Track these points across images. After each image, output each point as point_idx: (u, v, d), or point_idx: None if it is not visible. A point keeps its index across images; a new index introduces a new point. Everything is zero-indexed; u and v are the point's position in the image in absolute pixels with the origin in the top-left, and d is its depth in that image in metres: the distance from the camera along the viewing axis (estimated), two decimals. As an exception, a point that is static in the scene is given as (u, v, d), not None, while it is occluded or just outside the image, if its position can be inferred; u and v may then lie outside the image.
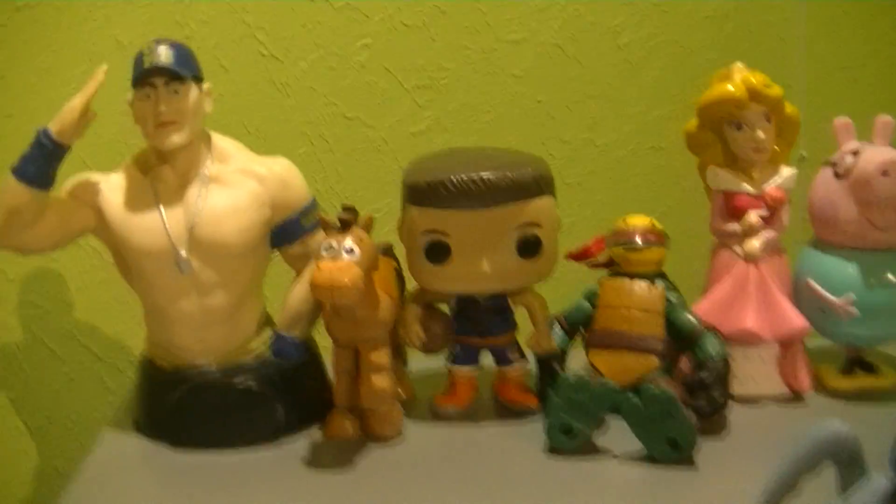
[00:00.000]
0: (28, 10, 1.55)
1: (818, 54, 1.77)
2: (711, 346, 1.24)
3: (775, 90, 1.26)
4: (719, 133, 1.30)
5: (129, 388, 1.54)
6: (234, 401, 1.24)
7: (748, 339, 1.28)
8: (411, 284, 1.32)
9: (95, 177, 1.23)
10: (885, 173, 1.23)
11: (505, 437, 1.26)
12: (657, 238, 1.25)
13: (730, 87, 1.26)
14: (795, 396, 1.33)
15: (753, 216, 1.28)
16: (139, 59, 1.18)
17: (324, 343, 1.33)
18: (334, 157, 1.65)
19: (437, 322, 1.25)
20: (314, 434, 1.28)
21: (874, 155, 1.25)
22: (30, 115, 1.56)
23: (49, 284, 1.62)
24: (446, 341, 1.27)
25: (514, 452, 1.23)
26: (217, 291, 1.23)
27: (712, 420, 1.22)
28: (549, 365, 1.29)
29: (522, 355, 1.29)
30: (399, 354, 1.30)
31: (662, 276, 1.27)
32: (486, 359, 1.33)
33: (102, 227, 1.22)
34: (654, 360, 1.24)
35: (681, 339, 1.26)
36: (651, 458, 1.17)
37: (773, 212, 1.30)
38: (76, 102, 1.16)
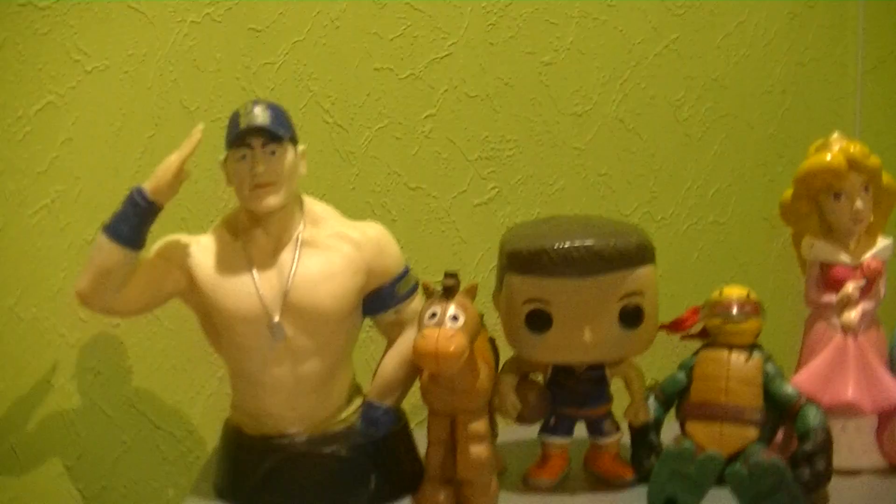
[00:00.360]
0: (98, 73, 1.52)
1: (873, 129, 1.72)
2: (813, 417, 1.20)
3: (874, 160, 1.23)
4: (816, 203, 1.23)
5: (186, 457, 1.48)
6: (327, 471, 1.18)
7: (848, 412, 1.24)
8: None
9: (185, 239, 1.17)
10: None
11: (600, 509, 1.16)
12: (753, 309, 1.22)
13: (828, 157, 1.22)
14: (894, 469, 1.28)
15: (851, 287, 1.23)
16: (235, 119, 1.13)
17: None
18: (397, 226, 1.59)
19: (533, 392, 1.20)
20: (406, 504, 1.18)
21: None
22: (97, 179, 1.54)
23: (108, 351, 1.55)
24: (542, 412, 1.21)
25: (612, 526, 1.13)
26: (310, 358, 1.17)
27: (815, 493, 1.17)
28: (645, 436, 1.24)
29: (618, 427, 1.22)
30: (491, 426, 1.21)
31: (759, 346, 1.23)
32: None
33: (192, 291, 1.15)
34: (753, 432, 1.21)
35: (779, 410, 1.22)
36: (758, 532, 1.06)
37: (870, 283, 1.26)
38: (172, 161, 1.11)
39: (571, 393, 1.22)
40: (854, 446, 1.27)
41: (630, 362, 1.22)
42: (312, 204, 1.20)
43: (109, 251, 1.10)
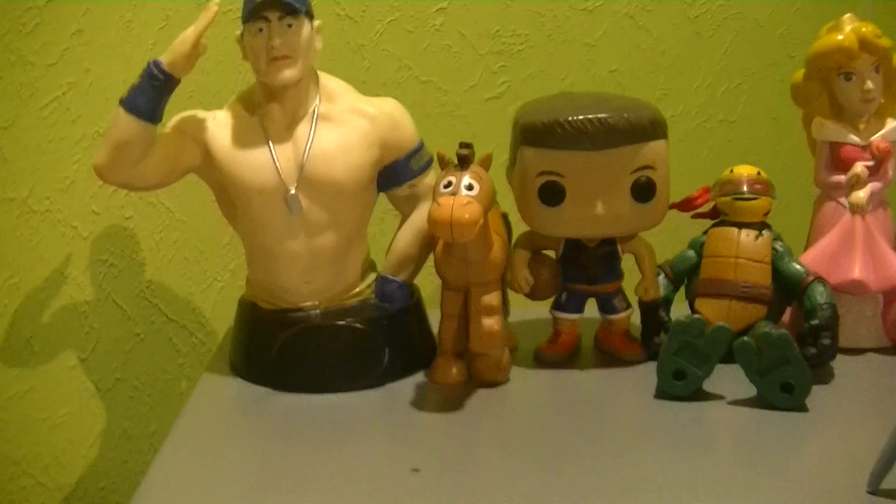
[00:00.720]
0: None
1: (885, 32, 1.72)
2: (820, 294, 1.21)
3: (885, 41, 1.23)
4: (826, 84, 1.24)
5: (198, 349, 1.50)
6: (341, 343, 1.18)
7: (855, 290, 1.25)
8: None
9: (202, 114, 1.18)
10: None
11: (611, 384, 1.22)
12: (764, 188, 1.23)
13: (840, 37, 1.23)
14: (898, 348, 1.24)
15: (860, 167, 1.24)
16: None
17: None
18: (407, 120, 1.57)
19: (545, 268, 1.20)
20: (419, 379, 1.21)
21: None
22: (108, 70, 1.54)
23: (122, 243, 1.56)
24: (554, 288, 1.22)
25: (622, 399, 1.19)
26: (325, 232, 1.17)
27: (820, 369, 1.18)
28: (655, 313, 1.24)
29: (628, 304, 1.24)
30: (504, 302, 1.22)
31: (768, 225, 1.24)
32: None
33: (209, 165, 1.16)
34: (762, 309, 1.21)
35: (787, 288, 1.23)
36: (763, 404, 1.12)
37: (879, 163, 1.26)
38: (189, 35, 1.11)
39: (583, 269, 1.23)
40: (860, 326, 1.28)
41: (641, 238, 1.22)
42: (328, 79, 1.20)
43: (126, 124, 1.10)
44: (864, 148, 1.27)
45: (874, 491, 0.93)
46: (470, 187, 1.07)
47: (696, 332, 1.12)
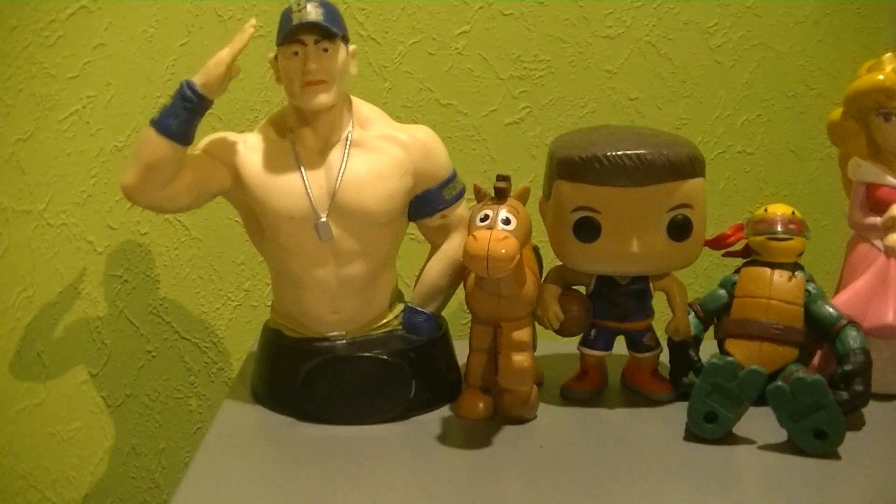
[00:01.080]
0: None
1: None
2: (853, 339, 1.17)
3: (926, 82, 1.17)
4: (864, 124, 1.20)
5: (210, 367, 1.46)
6: (367, 375, 1.15)
7: (889, 335, 1.21)
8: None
9: (232, 137, 1.13)
10: None
11: (639, 422, 1.18)
12: (798, 228, 1.19)
13: (881, 77, 1.19)
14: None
15: (896, 210, 1.18)
16: (287, 16, 1.09)
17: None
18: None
19: (575, 304, 1.16)
20: (445, 413, 1.17)
21: None
22: (128, 85, 1.51)
23: (136, 259, 1.52)
24: (584, 324, 1.18)
25: (650, 438, 1.15)
26: (355, 261, 1.13)
27: (851, 415, 1.14)
28: (684, 352, 1.20)
29: (658, 342, 1.20)
30: (532, 337, 1.18)
31: (801, 266, 1.21)
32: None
33: (239, 189, 1.12)
34: (793, 352, 1.18)
35: (819, 331, 1.19)
36: (795, 450, 1.09)
37: (916, 205, 1.19)
38: (224, 56, 1.07)
39: (613, 305, 1.19)
40: (890, 370, 1.24)
41: (674, 276, 1.19)
42: (361, 105, 1.16)
43: (157, 146, 1.06)
44: (902, 190, 1.20)
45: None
46: (507, 221, 1.04)
47: (729, 375, 1.09)
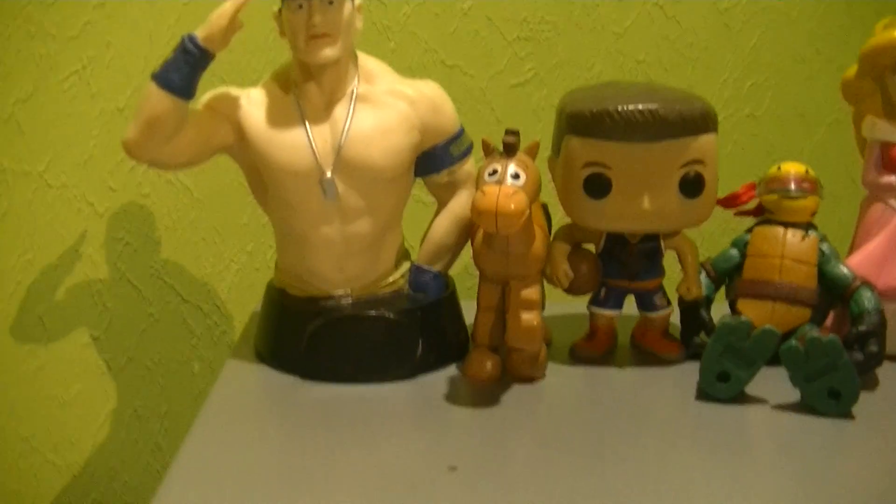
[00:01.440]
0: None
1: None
2: (867, 299, 1.14)
3: (945, 39, 1.13)
4: (880, 82, 1.17)
5: (212, 331, 1.42)
6: (373, 334, 1.11)
7: (903, 295, 1.13)
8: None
9: (235, 92, 1.09)
10: None
11: (650, 383, 1.15)
12: (812, 187, 1.16)
13: (896, 34, 1.12)
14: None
15: (912, 169, 1.14)
16: None
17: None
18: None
19: (585, 262, 1.12)
20: (452, 372, 1.14)
21: None
22: (129, 45, 1.48)
23: (138, 221, 1.48)
24: (593, 283, 1.14)
25: (661, 398, 1.11)
26: (361, 218, 1.09)
27: (865, 376, 1.10)
28: (696, 313, 1.17)
29: (669, 302, 1.16)
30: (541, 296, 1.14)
31: (814, 226, 1.17)
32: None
33: (242, 145, 1.08)
34: (806, 313, 1.15)
35: (833, 292, 1.16)
36: (808, 410, 1.05)
37: (932, 165, 1.15)
38: (227, 8, 1.03)
39: (624, 265, 1.16)
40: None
41: (685, 235, 1.15)
42: (366, 60, 1.12)
43: (159, 100, 1.02)
44: (918, 149, 1.16)
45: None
46: (516, 176, 1.00)
47: (743, 334, 1.05)
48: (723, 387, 1.07)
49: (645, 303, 1.19)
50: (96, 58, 1.48)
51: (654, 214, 1.10)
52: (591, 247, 1.18)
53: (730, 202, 1.18)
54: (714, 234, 1.47)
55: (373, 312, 1.13)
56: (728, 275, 1.20)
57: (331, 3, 1.06)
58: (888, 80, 1.19)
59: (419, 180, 1.20)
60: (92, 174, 1.47)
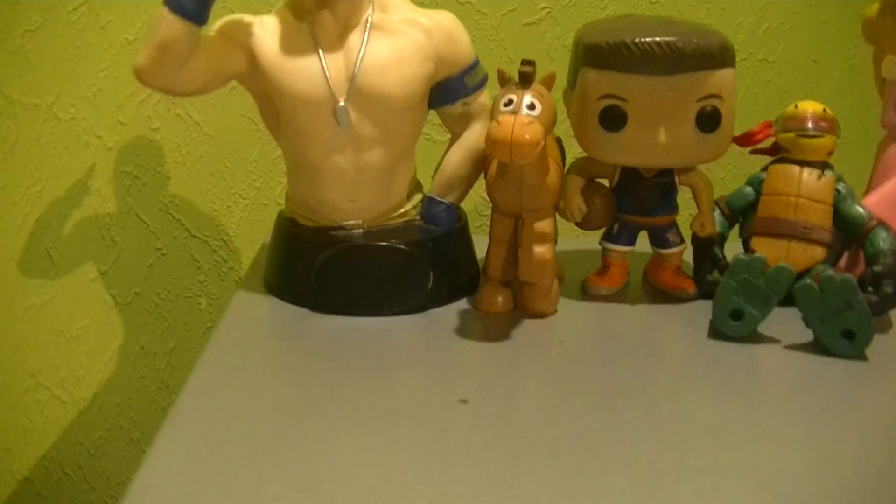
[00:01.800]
0: None
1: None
2: (883, 240, 1.12)
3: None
4: (902, 20, 1.13)
5: (220, 266, 1.41)
6: (384, 265, 1.09)
7: (918, 235, 1.11)
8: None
9: (248, 19, 1.07)
10: None
11: (662, 320, 1.13)
12: (829, 125, 1.14)
13: (921, -31, 1.10)
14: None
15: (932, 109, 1.11)
16: None
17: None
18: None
19: (599, 197, 1.10)
20: (463, 306, 1.12)
21: None
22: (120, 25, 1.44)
23: (147, 155, 1.46)
24: (607, 218, 1.12)
25: (673, 336, 1.10)
26: (373, 148, 1.07)
27: (879, 317, 1.09)
28: (709, 250, 1.15)
29: (682, 239, 1.14)
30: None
31: (830, 166, 1.15)
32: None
33: (254, 73, 1.06)
34: (820, 252, 1.13)
35: (848, 232, 1.15)
36: (821, 350, 1.04)
37: (952, 107, 1.13)
38: None
39: (638, 200, 1.14)
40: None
41: (700, 171, 1.14)
42: (381, -12, 1.08)
43: (171, 25, 0.99)
44: (938, 89, 1.14)
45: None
46: (532, 107, 0.98)
47: (757, 271, 1.04)
48: (736, 325, 1.06)
49: (658, 239, 1.17)
50: (106, -11, 1.41)
51: (670, 148, 1.08)
52: (604, 181, 1.15)
53: (745, 140, 1.16)
54: (725, 179, 1.44)
55: (384, 243, 1.11)
56: (742, 213, 1.18)
57: None
58: (910, 18, 1.15)
59: (433, 114, 1.17)
60: (101, 107, 1.45)
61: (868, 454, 0.86)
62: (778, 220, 1.15)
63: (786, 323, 1.08)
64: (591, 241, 1.21)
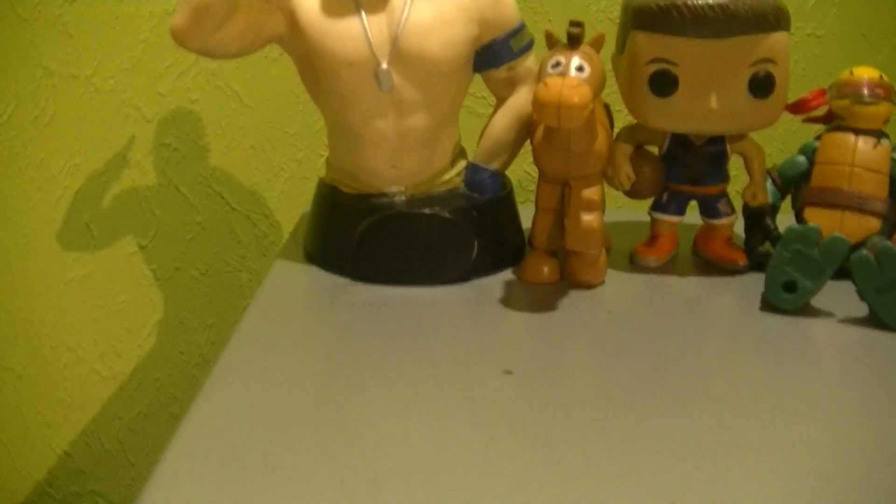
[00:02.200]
0: None
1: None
2: None
3: None
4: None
5: (261, 240, 1.37)
6: (427, 233, 1.05)
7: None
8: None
9: None
10: None
11: (711, 291, 1.09)
12: (886, 92, 1.09)
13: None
14: None
15: None
16: None
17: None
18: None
19: (648, 165, 1.06)
20: (508, 276, 1.09)
21: None
22: None
23: (186, 127, 1.42)
24: (656, 187, 1.08)
25: (723, 308, 1.05)
26: (416, 112, 1.03)
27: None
28: (761, 221, 1.10)
29: (733, 209, 1.09)
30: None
31: (886, 134, 1.10)
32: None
33: (295, 35, 1.02)
34: (875, 223, 1.08)
35: (903, 203, 1.05)
36: (877, 324, 0.99)
37: None
38: None
39: (688, 168, 1.09)
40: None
41: (752, 139, 1.09)
42: (424, -50, 1.04)
43: (206, -14, 0.95)
44: None
45: None
46: (580, 69, 0.94)
47: (811, 241, 0.99)
48: (789, 297, 1.01)
49: (708, 209, 1.13)
50: (146, -41, 1.38)
51: (722, 114, 1.04)
52: (653, 149, 1.11)
53: (799, 107, 1.12)
54: (771, 155, 1.39)
55: (427, 210, 1.07)
56: (795, 183, 1.14)
57: None
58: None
59: (476, 87, 1.16)
60: (140, 78, 1.42)
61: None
62: (832, 190, 1.11)
63: (839, 296, 1.04)
64: (639, 211, 1.16)
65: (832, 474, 0.75)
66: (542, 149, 1.03)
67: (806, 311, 1.03)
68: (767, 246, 1.11)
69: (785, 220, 1.12)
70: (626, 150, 1.08)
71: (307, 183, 1.47)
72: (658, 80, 1.04)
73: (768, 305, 1.04)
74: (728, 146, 1.10)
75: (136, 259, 1.48)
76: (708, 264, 1.15)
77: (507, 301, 1.05)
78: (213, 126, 1.45)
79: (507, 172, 1.16)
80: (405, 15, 1.03)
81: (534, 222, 1.08)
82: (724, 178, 1.12)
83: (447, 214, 1.07)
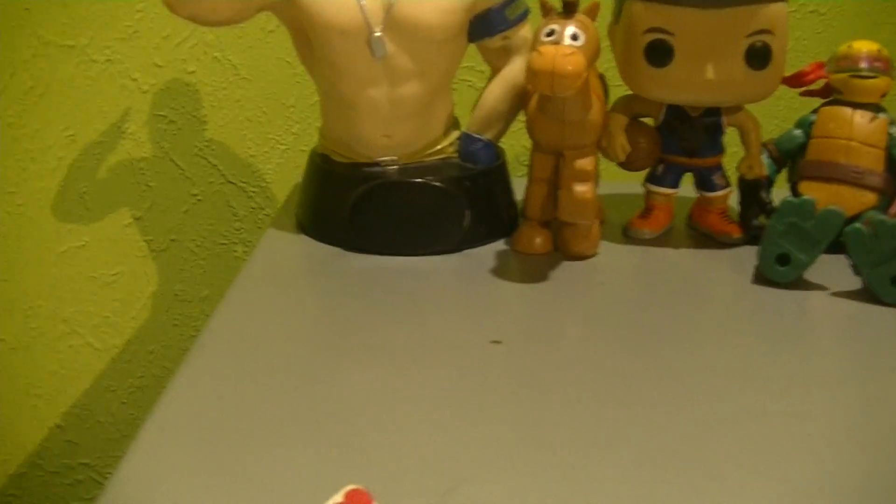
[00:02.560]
0: None
1: None
2: None
3: None
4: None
5: (256, 213, 1.36)
6: (420, 203, 1.04)
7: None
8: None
9: None
10: None
11: (706, 264, 1.08)
12: (884, 66, 1.08)
13: None
14: None
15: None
16: None
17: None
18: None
19: (643, 136, 1.05)
20: (500, 247, 1.08)
21: None
22: None
23: (182, 99, 1.41)
24: (651, 158, 1.07)
25: (717, 280, 1.05)
26: (409, 81, 1.02)
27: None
28: (756, 193, 1.10)
29: (728, 182, 1.08)
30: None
31: (884, 108, 1.08)
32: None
33: (288, 3, 1.01)
34: (871, 197, 1.07)
35: (899, 178, 1.04)
36: (870, 297, 0.98)
37: None
38: None
39: (683, 140, 1.09)
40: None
41: (748, 111, 1.08)
42: (418, -85, 1.02)
43: (200, -50, 0.93)
44: None
45: None
46: (575, 37, 0.94)
47: (806, 214, 0.98)
48: (782, 270, 1.01)
49: (704, 181, 1.12)
50: (142, -72, 1.37)
51: (718, 85, 1.03)
52: (649, 121, 1.09)
53: (796, 80, 1.11)
54: (771, 131, 1.38)
55: (419, 180, 1.06)
56: (791, 156, 1.13)
57: None
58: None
59: (473, 60, 1.15)
60: (137, 49, 1.41)
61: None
62: (828, 163, 1.10)
63: (833, 270, 1.04)
64: (634, 183, 1.16)
65: (824, 445, 0.75)
66: (537, 118, 1.02)
67: (799, 284, 1.02)
68: (763, 219, 1.10)
69: (781, 194, 1.10)
70: (621, 121, 1.08)
71: (304, 156, 1.44)
72: (654, 51, 1.03)
73: (762, 278, 1.03)
74: (724, 118, 1.09)
75: (131, 231, 1.47)
76: (702, 237, 1.14)
77: (499, 271, 1.04)
78: (210, 98, 1.44)
79: (505, 146, 1.14)
80: None
81: (527, 192, 1.07)
82: (719, 150, 1.11)
83: (439, 183, 1.06)
